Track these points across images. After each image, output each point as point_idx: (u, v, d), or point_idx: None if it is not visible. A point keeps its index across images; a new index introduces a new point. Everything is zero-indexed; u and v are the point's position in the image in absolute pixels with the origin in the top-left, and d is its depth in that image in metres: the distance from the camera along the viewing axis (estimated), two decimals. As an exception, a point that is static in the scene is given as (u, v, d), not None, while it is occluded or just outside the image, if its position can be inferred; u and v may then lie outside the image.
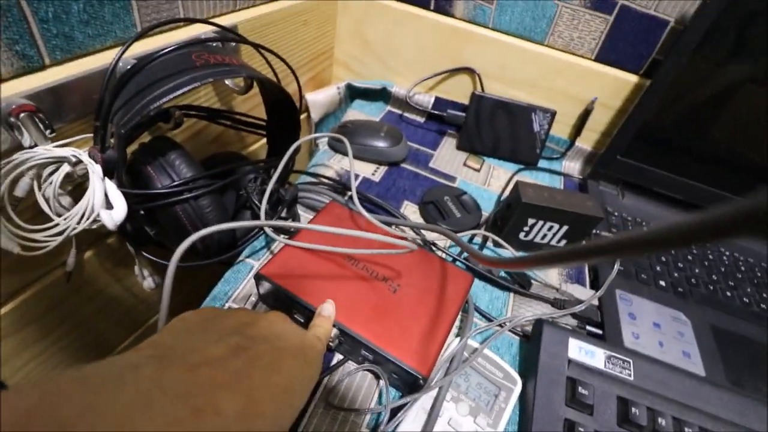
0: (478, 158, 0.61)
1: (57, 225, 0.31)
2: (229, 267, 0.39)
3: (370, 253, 0.35)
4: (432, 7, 0.59)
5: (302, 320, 0.34)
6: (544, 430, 0.31)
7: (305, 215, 0.46)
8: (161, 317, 0.25)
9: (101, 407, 0.14)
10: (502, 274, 0.44)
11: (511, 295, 0.43)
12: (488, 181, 0.57)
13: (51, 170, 0.30)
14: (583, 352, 0.35)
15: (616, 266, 0.46)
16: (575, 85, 0.57)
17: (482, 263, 0.34)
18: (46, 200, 0.31)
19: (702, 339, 0.42)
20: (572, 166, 0.64)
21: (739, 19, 0.44)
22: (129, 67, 0.31)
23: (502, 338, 0.38)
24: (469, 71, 0.61)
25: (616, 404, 0.33)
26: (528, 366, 0.35)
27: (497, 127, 0.59)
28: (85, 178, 0.31)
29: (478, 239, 0.48)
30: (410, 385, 0.31)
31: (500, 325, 0.39)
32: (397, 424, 0.30)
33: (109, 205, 0.31)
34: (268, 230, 0.36)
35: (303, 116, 0.66)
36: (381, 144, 0.54)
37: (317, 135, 0.46)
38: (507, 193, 0.55)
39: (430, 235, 0.45)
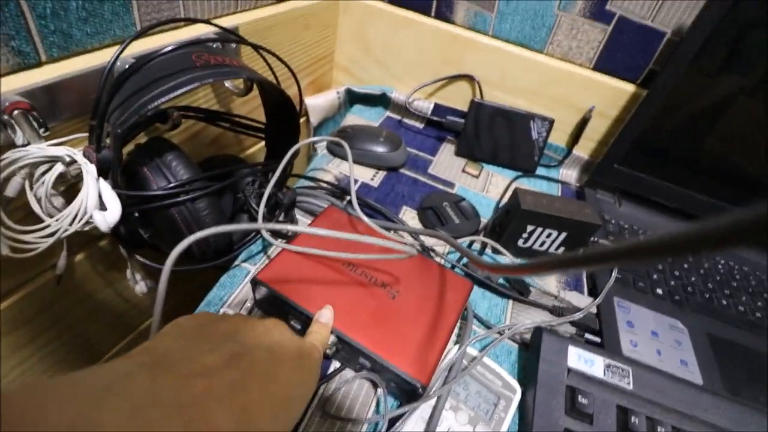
0: (477, 165, 0.61)
1: (48, 226, 0.30)
2: (225, 271, 0.38)
3: (368, 258, 0.35)
4: (433, 14, 0.59)
5: (299, 327, 0.33)
6: (545, 440, 0.30)
7: (303, 219, 0.45)
8: (154, 323, 0.25)
9: (90, 418, 0.14)
10: (501, 281, 0.43)
11: (510, 302, 0.42)
12: (487, 187, 0.57)
13: (44, 170, 0.30)
14: (583, 360, 0.35)
15: (613, 274, 0.46)
16: (573, 93, 0.57)
17: (482, 269, 0.34)
18: (38, 200, 0.30)
19: (699, 347, 0.42)
20: (570, 174, 0.64)
21: (735, 32, 0.44)
22: (127, 66, 0.31)
23: (501, 346, 0.38)
24: (469, 78, 0.61)
25: (616, 413, 0.32)
26: (527, 374, 0.35)
27: (496, 134, 0.59)
28: (78, 178, 0.30)
29: (476, 245, 0.47)
30: (409, 393, 0.31)
31: (499, 333, 0.38)
32: (396, 434, 0.29)
33: (102, 207, 0.30)
34: (266, 234, 0.36)
35: (302, 120, 0.66)
36: (380, 149, 0.54)
37: (316, 138, 0.45)
38: (505, 199, 0.55)
39: (428, 241, 0.45)
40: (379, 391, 0.32)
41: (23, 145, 0.29)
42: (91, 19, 0.32)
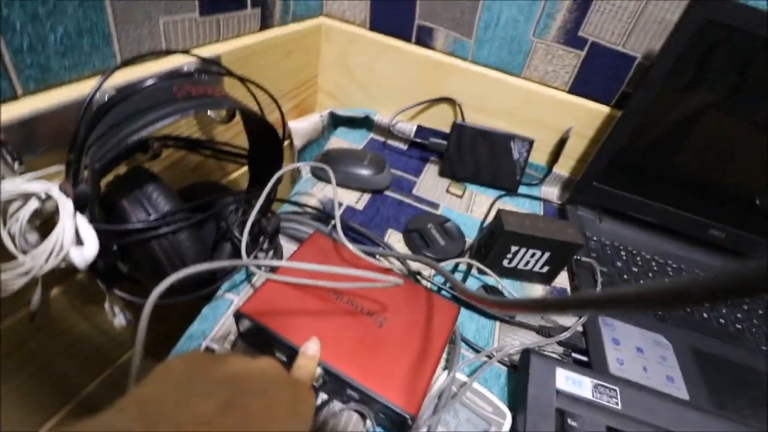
0: (461, 185, 0.61)
1: (23, 264, 0.29)
2: (208, 302, 0.38)
3: (354, 287, 0.35)
4: (413, 40, 0.61)
5: (285, 359, 0.32)
6: (536, 467, 0.30)
7: (288, 246, 0.45)
8: (133, 366, 0.24)
9: None
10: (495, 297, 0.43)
11: (497, 323, 0.42)
12: (471, 207, 0.58)
13: (18, 206, 0.29)
14: (571, 381, 0.35)
15: (598, 291, 0.46)
16: (551, 115, 0.59)
17: (467, 299, 0.34)
18: (12, 237, 0.29)
19: (684, 362, 0.43)
20: (551, 192, 0.65)
21: (702, 54, 0.47)
22: (107, 98, 0.30)
23: (490, 369, 0.38)
24: (450, 101, 0.63)
25: (606, 435, 0.32)
26: (517, 399, 0.35)
27: (478, 154, 0.60)
28: (55, 213, 0.29)
29: (462, 267, 0.48)
30: (398, 424, 0.30)
31: (488, 356, 0.38)
32: (386, 468, 0.29)
33: (79, 242, 0.29)
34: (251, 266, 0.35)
35: (285, 144, 0.66)
36: (364, 172, 0.54)
37: (299, 164, 0.46)
38: (489, 219, 0.56)
39: (415, 265, 0.45)
40: (368, 423, 0.31)
41: (-4, 181, 0.28)
42: (69, 52, 0.32)
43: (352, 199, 0.54)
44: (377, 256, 0.44)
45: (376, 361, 0.31)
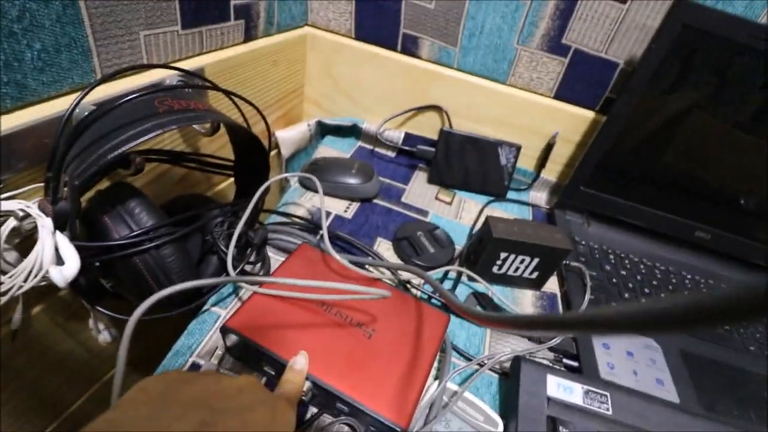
0: (450, 191, 0.62)
1: (1, 284, 0.28)
2: (194, 316, 0.37)
3: (343, 299, 0.34)
4: (399, 49, 0.61)
5: (273, 373, 0.32)
6: (528, 476, 0.30)
7: (276, 257, 0.44)
8: (116, 385, 0.23)
9: None
10: (479, 309, 0.43)
11: (488, 330, 0.42)
12: (460, 214, 0.58)
13: (-5, 225, 0.28)
14: (562, 388, 0.35)
15: (587, 297, 0.47)
16: (537, 121, 0.60)
17: (455, 310, 0.34)
18: (-11, 257, 0.28)
19: (673, 365, 0.43)
20: (539, 197, 0.66)
21: (683, 59, 0.48)
22: (87, 114, 0.30)
23: (481, 377, 0.38)
24: (437, 108, 0.63)
25: (597, 442, 0.32)
26: (508, 407, 0.35)
27: (466, 161, 0.61)
28: (34, 231, 0.29)
29: (452, 274, 0.48)
30: (389, 437, 0.30)
31: (479, 364, 0.38)
32: (376, 483, 0.28)
33: (60, 261, 0.29)
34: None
35: (273, 153, 0.66)
36: (352, 181, 0.54)
37: (286, 174, 0.45)
38: (478, 225, 0.56)
39: (404, 274, 0.45)
40: (359, 436, 0.31)
41: (-28, 201, 0.27)
42: (47, 68, 0.31)
43: (340, 208, 0.54)
44: (367, 266, 0.43)
45: (365, 373, 0.31)
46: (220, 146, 0.50)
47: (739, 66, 0.47)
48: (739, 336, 0.48)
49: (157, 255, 0.32)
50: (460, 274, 0.47)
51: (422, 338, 0.35)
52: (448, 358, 0.37)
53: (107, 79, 0.29)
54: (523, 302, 0.47)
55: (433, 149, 0.61)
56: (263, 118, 0.40)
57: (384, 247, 0.49)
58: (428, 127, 0.65)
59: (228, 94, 0.36)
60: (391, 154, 0.67)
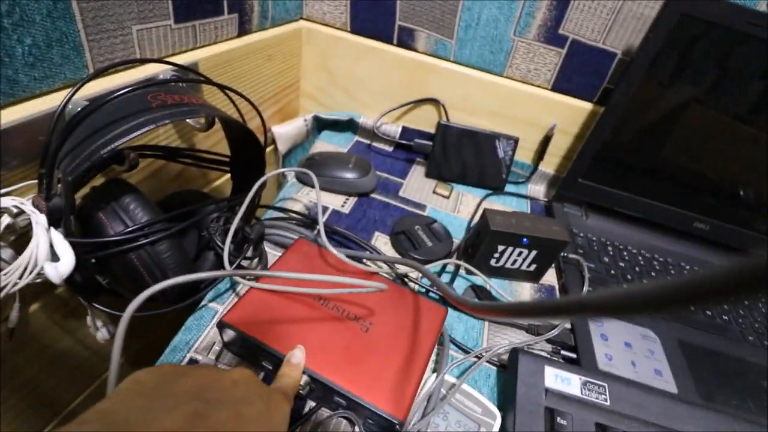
0: (447, 185, 0.61)
1: (-5, 281, 0.28)
2: (192, 312, 0.37)
3: (339, 292, 0.34)
4: (395, 42, 0.61)
5: (271, 367, 0.32)
6: (526, 467, 0.30)
7: (273, 252, 0.44)
8: (111, 377, 0.23)
9: None
10: (476, 301, 0.43)
11: (486, 323, 0.42)
12: (458, 207, 0.58)
13: (-11, 222, 0.28)
14: (559, 379, 0.35)
15: (585, 288, 0.47)
16: (535, 113, 0.59)
17: (451, 302, 0.34)
18: (-17, 255, 0.28)
19: (671, 355, 0.43)
20: (537, 190, 0.65)
21: (681, 48, 0.47)
22: (79, 109, 0.30)
23: (479, 370, 0.38)
24: (434, 101, 0.63)
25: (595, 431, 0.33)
26: (506, 398, 0.35)
27: (464, 154, 0.60)
28: (28, 228, 0.29)
29: (450, 267, 0.48)
30: (387, 430, 0.30)
31: (477, 357, 0.38)
32: (375, 475, 0.28)
33: (55, 257, 0.29)
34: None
35: (270, 149, 0.66)
36: (349, 175, 0.54)
37: (282, 170, 0.45)
38: (476, 219, 0.56)
39: (402, 268, 0.45)
40: (357, 429, 0.31)
41: (-35, 198, 0.27)
42: (39, 63, 0.31)
43: (338, 202, 0.53)
44: (364, 261, 0.43)
45: (363, 366, 0.31)
46: (216, 142, 0.50)
47: (738, 55, 0.47)
48: (737, 326, 0.48)
49: (152, 251, 0.32)
50: (458, 267, 0.47)
51: (420, 331, 0.35)
52: (446, 351, 0.37)
53: (99, 74, 0.29)
54: (522, 295, 0.47)
55: (430, 143, 0.61)
56: (258, 112, 0.39)
57: (382, 242, 0.49)
58: (425, 120, 0.64)
59: (222, 88, 0.36)
60: (389, 148, 0.67)
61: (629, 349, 0.42)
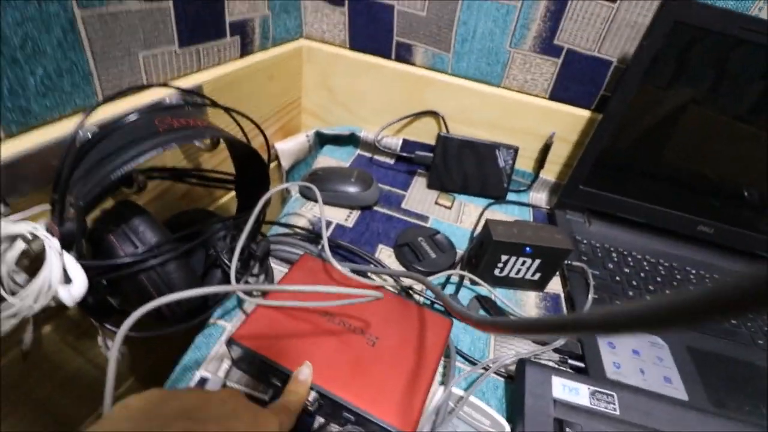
0: (449, 196, 0.62)
1: (12, 306, 0.29)
2: (201, 330, 0.37)
3: (339, 304, 0.35)
4: (393, 57, 0.62)
5: (279, 384, 0.32)
6: (536, 479, 0.30)
7: (279, 268, 0.45)
8: (106, 400, 0.24)
9: None
10: (482, 312, 0.44)
11: (492, 334, 0.42)
12: (460, 218, 0.58)
13: (4, 248, 0.29)
14: (567, 389, 0.35)
15: (590, 296, 0.47)
16: (533, 122, 0.60)
17: (455, 315, 0.34)
18: (-1, 280, 0.29)
19: (680, 362, 0.42)
20: (539, 197, 0.66)
21: (675, 54, 0.48)
22: (89, 135, 0.31)
23: (486, 381, 0.38)
24: (433, 114, 0.64)
25: (605, 442, 0.32)
26: (514, 410, 0.35)
27: (464, 165, 0.61)
28: (42, 251, 0.30)
29: (455, 278, 0.48)
30: (395, 444, 0.30)
31: (484, 368, 0.38)
32: (385, 490, 0.28)
33: (67, 280, 0.29)
34: (239, 292, 0.35)
35: (273, 165, 0.67)
36: (352, 189, 0.54)
37: (286, 185, 0.46)
38: (479, 229, 0.56)
39: (406, 280, 0.45)
40: (366, 444, 0.31)
41: (-19, 226, 0.28)
42: (50, 93, 0.32)
43: (341, 216, 0.54)
44: (368, 274, 0.44)
45: (369, 381, 0.31)
46: (221, 161, 0.51)
47: (732, 59, 0.47)
48: (747, 330, 0.48)
49: (161, 271, 0.33)
50: (462, 278, 0.48)
51: (425, 344, 0.35)
52: (452, 363, 0.37)
53: (109, 100, 0.30)
54: (527, 304, 0.47)
55: (431, 154, 0.61)
56: (261, 132, 0.40)
57: (385, 254, 0.49)
58: (425, 132, 0.65)
59: (226, 110, 0.37)
60: (390, 161, 0.68)
61: (637, 357, 0.42)
